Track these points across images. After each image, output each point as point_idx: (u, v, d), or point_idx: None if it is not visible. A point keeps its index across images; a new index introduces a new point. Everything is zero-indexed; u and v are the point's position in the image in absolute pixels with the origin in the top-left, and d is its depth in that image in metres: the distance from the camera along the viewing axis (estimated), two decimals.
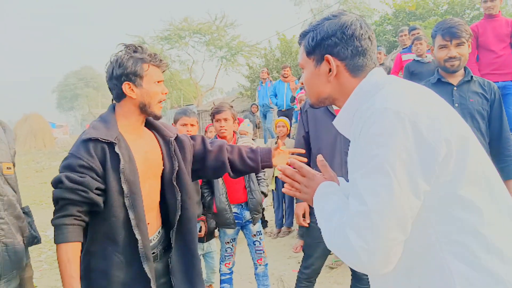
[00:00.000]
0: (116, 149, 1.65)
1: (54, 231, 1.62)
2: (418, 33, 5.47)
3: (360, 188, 0.96)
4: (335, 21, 1.15)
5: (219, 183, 3.16)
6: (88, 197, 1.60)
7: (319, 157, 1.27)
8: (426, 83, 2.43)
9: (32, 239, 1.79)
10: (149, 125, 1.90)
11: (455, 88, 2.36)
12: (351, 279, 2.64)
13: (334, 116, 2.48)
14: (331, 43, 1.14)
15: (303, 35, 1.22)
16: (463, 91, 2.35)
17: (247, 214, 3.25)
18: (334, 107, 2.52)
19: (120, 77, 1.71)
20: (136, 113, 1.77)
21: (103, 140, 1.65)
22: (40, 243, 1.84)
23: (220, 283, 3.32)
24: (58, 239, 1.59)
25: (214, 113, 3.18)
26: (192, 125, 3.17)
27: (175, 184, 1.84)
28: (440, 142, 0.94)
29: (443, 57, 2.35)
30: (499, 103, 2.39)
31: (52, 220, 1.64)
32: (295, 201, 2.65)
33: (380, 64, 5.99)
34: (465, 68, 2.43)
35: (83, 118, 53.22)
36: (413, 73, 5.13)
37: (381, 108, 0.98)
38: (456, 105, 2.31)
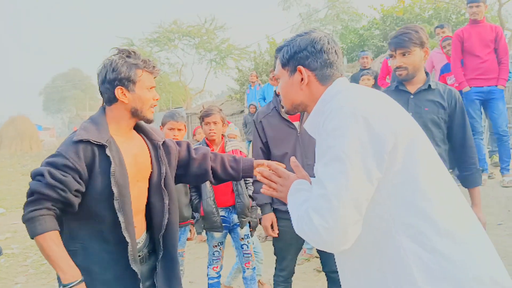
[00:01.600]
0: (107, 152, 1.65)
1: (29, 224, 1.58)
2: None
3: (321, 175, 1.10)
4: (306, 37, 1.32)
5: (207, 186, 3.15)
6: (66, 197, 1.59)
7: (292, 159, 1.40)
8: (386, 90, 2.46)
9: None
10: (137, 128, 1.91)
11: (411, 97, 2.33)
12: (327, 283, 2.68)
13: (289, 122, 2.57)
14: (303, 55, 1.31)
15: (279, 49, 1.39)
16: (419, 100, 2.31)
17: (234, 218, 3.24)
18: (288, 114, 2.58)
19: (113, 82, 1.71)
20: (126, 117, 1.78)
21: (94, 142, 1.64)
22: (1, 254, 1.79)
23: (208, 287, 3.31)
24: (37, 230, 1.56)
25: (203, 116, 3.17)
26: (179, 129, 3.16)
27: (163, 188, 1.86)
28: (389, 134, 1.08)
29: (393, 66, 2.35)
30: (461, 110, 2.33)
31: (24, 215, 1.61)
32: (261, 213, 2.67)
33: (367, 69, 6.05)
34: (426, 74, 2.38)
35: (70, 120, 52.64)
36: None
37: (337, 107, 1.14)
38: (411, 113, 2.24)
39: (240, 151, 3.26)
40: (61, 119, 59.24)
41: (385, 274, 1.12)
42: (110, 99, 1.75)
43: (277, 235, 2.59)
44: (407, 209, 1.09)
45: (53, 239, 1.57)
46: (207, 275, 3.32)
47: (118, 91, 1.72)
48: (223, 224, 3.20)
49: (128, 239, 1.66)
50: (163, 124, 3.21)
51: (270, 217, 2.58)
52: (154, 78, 1.84)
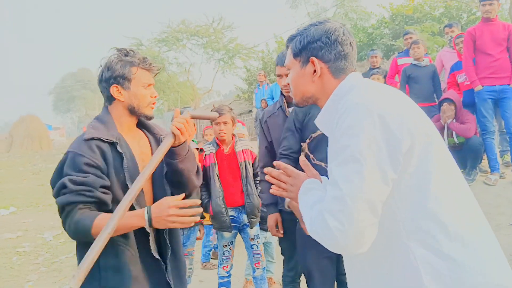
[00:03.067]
0: (119, 148, 1.68)
1: (78, 231, 1.56)
2: (411, 38, 5.50)
3: (335, 176, 1.07)
4: (321, 27, 1.27)
5: (216, 186, 3.16)
6: (94, 196, 1.58)
7: (301, 157, 1.38)
8: None
9: None
10: (140, 124, 1.92)
11: None
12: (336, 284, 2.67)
13: None
14: (316, 46, 1.25)
15: (291, 38, 1.34)
16: None
17: (244, 218, 3.24)
18: None
19: (109, 80, 1.74)
20: (126, 115, 1.80)
21: (105, 140, 1.66)
22: None
23: (218, 286, 3.32)
24: (86, 227, 1.53)
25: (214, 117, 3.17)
26: None
27: (165, 182, 1.84)
28: (405, 134, 1.05)
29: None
30: None
31: (69, 231, 1.60)
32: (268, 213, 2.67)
33: (377, 68, 6.01)
34: None
35: (80, 120, 53.14)
36: (410, 76, 5.16)
37: (352, 104, 1.10)
38: None
39: (251, 151, 3.26)
40: (71, 118, 59.83)
41: (393, 277, 1.10)
42: (108, 98, 1.78)
43: (282, 235, 2.59)
44: (418, 212, 1.06)
45: (101, 219, 1.54)
46: (218, 274, 3.34)
47: (113, 89, 1.74)
48: (233, 224, 3.21)
49: (148, 230, 1.64)
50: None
51: (275, 217, 2.58)
52: (154, 76, 1.84)
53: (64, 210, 1.61)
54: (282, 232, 2.58)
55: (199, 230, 3.42)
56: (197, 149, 3.33)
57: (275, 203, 2.60)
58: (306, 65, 1.28)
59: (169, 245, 1.83)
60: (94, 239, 1.48)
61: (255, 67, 18.87)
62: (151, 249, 1.71)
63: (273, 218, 2.59)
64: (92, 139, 1.65)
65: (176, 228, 1.84)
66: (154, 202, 1.84)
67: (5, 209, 9.11)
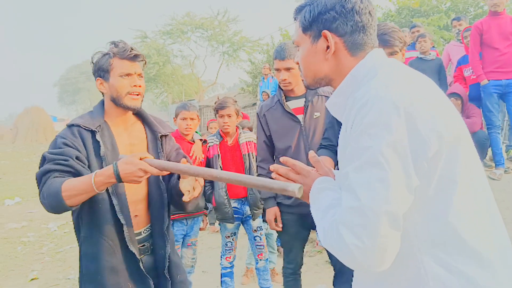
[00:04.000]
0: (97, 137, 1.72)
1: (49, 197, 1.57)
2: (418, 31, 5.45)
3: (353, 183, 0.90)
4: None
5: None
6: (69, 165, 1.62)
7: (311, 153, 1.20)
8: None
9: None
10: (143, 119, 1.93)
11: None
12: (334, 274, 2.66)
13: (292, 115, 2.52)
14: (329, 17, 1.06)
15: (299, 9, 1.14)
16: None
17: (247, 209, 3.25)
18: (291, 106, 2.54)
19: (94, 74, 1.80)
20: (113, 107, 1.81)
21: (85, 128, 1.72)
22: None
23: (221, 277, 3.33)
24: (56, 192, 1.54)
25: (218, 109, 3.18)
26: (192, 118, 3.19)
27: (161, 180, 1.83)
28: (433, 137, 0.90)
29: None
30: None
31: (41, 197, 1.62)
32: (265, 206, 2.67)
33: None
34: None
35: (84, 111, 53.10)
36: (416, 70, 5.12)
37: (376, 96, 0.92)
38: None
39: (255, 143, 3.26)
40: (76, 110, 59.94)
41: None
42: (100, 91, 1.82)
43: (281, 229, 2.60)
44: (436, 224, 0.93)
45: (70, 180, 1.57)
46: (220, 264, 3.35)
47: (97, 83, 1.80)
48: (236, 216, 3.22)
49: (122, 221, 1.69)
50: (176, 115, 3.24)
51: (273, 211, 2.59)
52: (142, 64, 1.82)
53: (41, 181, 1.63)
54: (281, 225, 2.59)
55: (203, 220, 3.43)
56: (201, 140, 3.33)
57: (274, 196, 2.60)
58: (318, 40, 1.09)
59: (152, 242, 1.82)
60: (65, 203, 1.53)
61: (259, 60, 18.81)
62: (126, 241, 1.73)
63: (271, 211, 2.59)
64: (73, 125, 1.73)
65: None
66: (148, 198, 1.84)
67: (10, 199, 9.19)
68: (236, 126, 3.29)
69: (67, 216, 1.85)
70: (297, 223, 2.55)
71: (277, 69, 2.51)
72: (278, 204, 2.59)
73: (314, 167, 1.21)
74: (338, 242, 0.90)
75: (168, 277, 1.83)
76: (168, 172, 1.58)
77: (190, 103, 3.28)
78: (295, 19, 1.17)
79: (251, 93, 17.14)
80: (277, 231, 2.70)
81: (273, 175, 1.22)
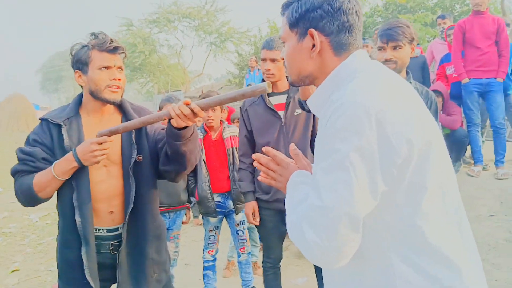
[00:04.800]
0: (63, 131, 1.75)
1: (22, 193, 1.73)
2: None
3: (319, 182, 0.94)
4: None
5: (203, 171, 3.18)
6: (35, 166, 1.73)
7: (292, 146, 1.23)
8: None
9: None
10: (122, 110, 1.90)
11: None
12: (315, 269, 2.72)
13: (274, 111, 2.54)
14: (316, 15, 1.06)
15: (287, 5, 1.14)
16: None
17: (230, 204, 3.27)
18: (273, 102, 2.56)
19: (73, 66, 1.80)
20: (91, 100, 1.81)
21: (52, 121, 1.77)
22: None
23: (204, 270, 3.36)
24: (28, 184, 1.71)
25: None
26: None
27: (131, 174, 1.78)
28: (403, 144, 0.91)
29: (380, 59, 2.32)
30: (435, 111, 2.42)
31: (16, 195, 1.77)
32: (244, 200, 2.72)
33: None
34: (407, 73, 2.44)
35: (67, 100, 52.24)
36: None
37: (349, 101, 0.93)
38: None
39: (239, 138, 3.27)
40: (58, 98, 58.87)
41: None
42: (78, 84, 1.82)
43: (258, 223, 2.64)
44: (403, 227, 0.96)
45: (39, 175, 1.71)
46: (203, 258, 3.38)
47: (76, 75, 1.79)
48: (219, 210, 3.24)
49: (77, 217, 1.70)
50: (160, 108, 3.23)
51: (251, 205, 2.62)
52: (124, 57, 1.81)
53: (14, 178, 1.79)
54: (258, 219, 2.63)
55: (185, 214, 3.45)
56: None
57: (253, 191, 2.63)
58: (304, 38, 1.09)
59: (125, 240, 1.79)
60: (38, 196, 1.69)
61: (247, 52, 18.77)
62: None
63: (249, 206, 2.63)
64: (43, 120, 1.80)
65: (142, 223, 1.83)
66: (124, 192, 1.80)
67: None
68: (220, 120, 3.29)
69: (49, 207, 1.91)
70: (275, 218, 2.58)
71: (263, 59, 2.51)
72: (256, 199, 2.63)
73: (294, 160, 1.23)
74: (300, 237, 0.94)
75: (118, 277, 1.78)
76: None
77: (175, 96, 3.28)
78: (282, 14, 1.16)
79: (238, 85, 17.11)
80: (256, 226, 2.73)
81: (254, 163, 1.25)
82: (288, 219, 1.04)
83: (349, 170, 0.89)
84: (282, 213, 2.49)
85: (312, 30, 1.07)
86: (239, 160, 2.76)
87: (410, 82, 2.45)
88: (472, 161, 4.81)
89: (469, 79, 4.50)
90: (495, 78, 4.42)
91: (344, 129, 0.92)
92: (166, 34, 26.38)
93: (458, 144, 4.60)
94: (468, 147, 4.84)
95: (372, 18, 14.92)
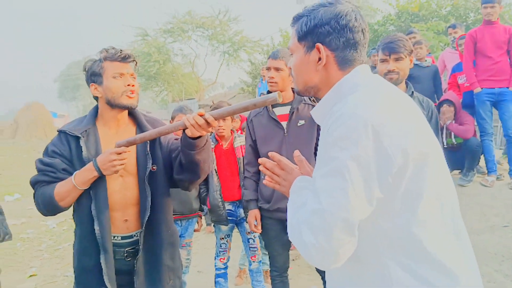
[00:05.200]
0: (81, 143, 1.81)
1: (44, 203, 1.79)
2: (414, 37, 5.53)
3: (318, 187, 0.99)
4: (331, 9, 1.13)
5: (214, 180, 3.24)
6: (56, 177, 1.80)
7: (296, 152, 1.29)
8: None
9: (3, 236, 1.88)
10: (136, 121, 1.97)
11: None
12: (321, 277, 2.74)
13: (277, 121, 2.59)
14: (324, 31, 1.12)
15: (297, 18, 1.20)
16: None
17: (241, 212, 3.32)
18: (277, 113, 2.62)
19: (87, 81, 1.87)
20: (108, 110, 1.88)
21: (71, 134, 1.83)
22: (11, 239, 1.97)
23: (215, 277, 3.41)
24: (49, 193, 1.76)
25: None
26: None
27: (146, 183, 1.85)
28: (398, 154, 0.96)
29: (383, 70, 2.46)
30: (435, 120, 2.50)
31: (36, 205, 1.84)
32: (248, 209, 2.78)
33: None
34: (407, 84, 2.55)
35: (84, 108, 53.23)
36: (411, 76, 5.17)
37: (349, 113, 0.99)
38: None
39: None
40: (76, 106, 59.93)
41: None
42: (94, 97, 1.89)
43: (259, 231, 2.70)
44: (400, 233, 1.01)
45: (59, 185, 1.77)
46: (215, 265, 3.43)
47: (92, 88, 1.87)
48: (230, 218, 3.29)
49: (96, 226, 1.76)
50: (172, 118, 3.31)
51: (254, 213, 2.68)
52: (134, 64, 1.88)
53: (34, 188, 1.85)
54: (260, 227, 2.68)
55: (197, 222, 3.51)
56: None
57: (256, 199, 2.69)
58: (311, 51, 1.15)
59: (141, 247, 1.85)
60: (60, 205, 1.74)
61: (259, 61, 18.86)
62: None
63: (252, 214, 2.68)
64: (61, 132, 1.87)
65: (158, 230, 1.88)
66: (140, 201, 1.86)
67: (10, 195, 9.27)
68: (231, 130, 3.36)
69: (66, 213, 1.96)
70: (277, 227, 2.62)
71: (268, 68, 2.59)
72: (260, 207, 2.68)
73: (298, 166, 1.29)
74: (299, 239, 1.00)
75: (135, 283, 1.84)
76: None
77: (187, 106, 3.35)
78: (292, 26, 1.23)
79: (251, 93, 17.20)
80: (260, 234, 2.78)
81: (260, 167, 1.31)
82: (289, 222, 1.09)
83: (346, 177, 0.95)
84: (283, 222, 2.53)
85: (319, 44, 1.13)
86: (244, 169, 2.81)
87: (412, 92, 2.53)
88: (486, 171, 4.78)
89: (481, 88, 4.49)
90: (508, 88, 4.41)
91: (342, 138, 0.98)
92: (180, 43, 26.70)
93: (471, 154, 4.58)
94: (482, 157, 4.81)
95: (384, 27, 14.89)
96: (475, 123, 4.76)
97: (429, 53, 5.65)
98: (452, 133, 4.67)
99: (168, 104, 27.80)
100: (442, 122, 4.70)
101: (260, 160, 1.31)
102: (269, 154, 1.30)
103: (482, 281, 3.36)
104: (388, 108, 1.01)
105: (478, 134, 4.72)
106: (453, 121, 4.66)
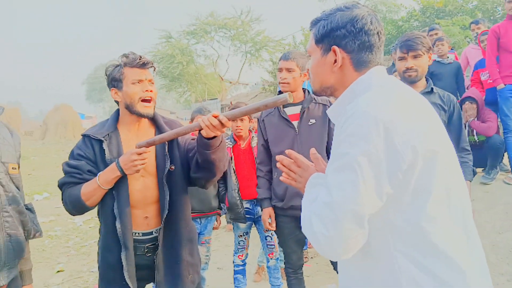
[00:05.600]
0: (104, 146, 1.90)
1: (72, 203, 1.88)
2: (436, 34, 5.44)
3: (330, 181, 1.04)
4: (347, 13, 1.18)
5: (232, 179, 3.31)
6: (82, 178, 1.88)
7: (312, 150, 1.34)
8: None
9: (34, 233, 1.97)
10: (155, 123, 2.05)
11: None
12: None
13: (288, 121, 2.62)
14: (340, 34, 1.17)
15: (315, 22, 1.25)
16: None
17: (259, 210, 3.37)
18: (288, 113, 2.64)
19: (109, 85, 1.96)
20: (127, 114, 1.96)
21: (94, 137, 1.92)
22: (42, 236, 2.05)
23: (234, 273, 3.48)
24: (76, 194, 1.86)
25: None
26: None
27: (165, 183, 1.93)
28: (408, 151, 0.99)
29: (402, 68, 2.47)
30: (458, 114, 2.49)
31: (65, 205, 1.94)
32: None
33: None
34: (427, 80, 2.54)
35: (111, 109, 54.48)
36: (433, 73, 5.10)
37: (361, 111, 1.04)
38: None
39: None
40: (103, 108, 61.39)
41: (375, 285, 1.10)
42: (115, 101, 1.97)
43: (274, 229, 2.74)
44: (409, 227, 1.04)
45: (85, 185, 1.86)
46: (233, 262, 3.50)
47: (112, 93, 1.95)
48: (248, 216, 3.36)
49: (117, 224, 1.84)
50: (192, 120, 3.39)
51: (268, 211, 2.72)
52: (152, 70, 1.95)
53: (62, 190, 1.95)
54: (274, 225, 2.71)
55: (216, 220, 3.58)
56: None
57: (269, 198, 2.73)
58: (328, 53, 1.20)
59: (161, 243, 1.93)
60: (86, 204, 1.84)
61: None
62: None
63: (266, 212, 2.73)
64: (85, 136, 1.96)
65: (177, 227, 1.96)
66: (159, 199, 1.95)
67: (39, 194, 9.62)
68: (249, 129, 3.42)
69: (92, 212, 2.06)
70: (290, 224, 2.66)
71: (280, 69, 2.64)
72: (273, 206, 2.72)
73: (313, 163, 1.34)
74: (310, 230, 1.05)
75: (156, 277, 1.92)
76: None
77: (205, 107, 3.43)
78: (310, 29, 1.29)
79: (273, 92, 17.24)
80: (275, 232, 2.82)
81: (278, 164, 1.36)
82: (302, 215, 1.14)
83: (357, 172, 0.99)
84: (297, 220, 2.56)
85: (335, 47, 1.18)
86: (257, 168, 2.85)
87: (432, 88, 2.51)
88: (510, 169, 4.66)
89: (504, 84, 4.39)
90: None
91: (354, 135, 1.02)
92: (203, 44, 27.03)
93: (493, 151, 4.48)
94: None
95: (409, 23, 14.64)
96: (499, 120, 4.65)
97: (452, 49, 5.54)
98: (474, 131, 4.58)
99: (191, 105, 28.15)
100: (465, 119, 4.61)
101: (277, 157, 1.35)
102: (286, 151, 1.35)
103: (503, 280, 3.31)
104: (399, 107, 1.05)
105: (501, 131, 4.62)
106: (475, 119, 4.57)
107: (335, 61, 1.19)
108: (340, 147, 1.05)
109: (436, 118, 1.13)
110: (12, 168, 1.89)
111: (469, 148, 2.55)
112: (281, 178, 1.35)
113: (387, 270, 1.06)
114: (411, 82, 2.47)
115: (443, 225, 1.04)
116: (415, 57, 2.44)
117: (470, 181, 2.46)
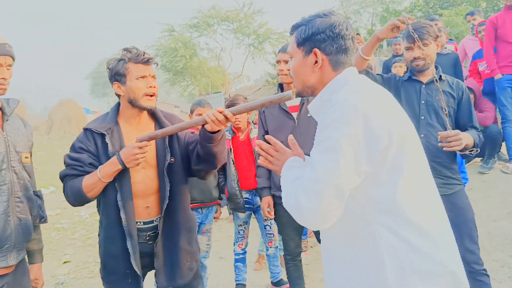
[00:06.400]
0: (106, 139, 1.94)
1: (73, 195, 1.92)
2: (436, 24, 5.45)
3: (314, 160, 1.18)
4: (326, 19, 1.33)
5: (231, 170, 3.40)
6: (84, 171, 1.93)
7: (290, 137, 1.46)
8: (400, 79, 2.56)
9: (40, 218, 2.06)
10: (155, 118, 2.10)
11: (423, 86, 2.46)
12: None
13: (288, 112, 2.70)
14: (320, 38, 1.32)
15: (296, 27, 1.39)
16: (430, 89, 2.44)
17: (258, 200, 3.46)
18: (288, 105, 2.72)
19: (111, 79, 2.00)
20: (129, 108, 2.01)
21: (96, 131, 1.96)
22: (47, 222, 2.13)
23: (234, 262, 3.58)
24: (78, 186, 1.89)
25: (229, 106, 3.38)
26: None
27: (165, 174, 1.99)
28: (384, 134, 1.14)
29: (409, 58, 2.47)
30: (467, 100, 2.50)
31: (66, 196, 1.96)
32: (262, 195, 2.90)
33: (400, 55, 6.00)
34: (436, 67, 2.53)
35: (115, 104, 54.59)
36: None
37: (342, 100, 1.18)
38: (423, 102, 2.43)
39: None
40: (107, 103, 61.51)
41: (358, 257, 1.22)
42: (116, 94, 2.02)
43: (273, 217, 2.83)
44: (386, 201, 1.18)
45: (86, 177, 1.90)
46: (234, 251, 3.60)
47: (115, 86, 1.98)
48: (247, 206, 3.45)
49: (122, 215, 1.91)
50: (191, 112, 3.45)
51: (267, 200, 2.82)
52: (155, 66, 2.00)
53: (63, 181, 1.99)
54: (273, 213, 2.80)
55: (216, 210, 3.67)
56: None
57: (269, 187, 2.82)
58: (309, 55, 1.34)
59: (161, 231, 2.00)
60: (87, 196, 1.88)
61: None
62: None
63: (265, 201, 2.82)
64: (87, 129, 1.99)
65: (177, 217, 2.03)
66: (160, 190, 2.02)
67: (45, 188, 9.75)
68: (248, 121, 3.49)
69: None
70: (289, 213, 2.72)
71: (278, 61, 2.71)
72: (272, 195, 2.81)
73: (291, 149, 1.47)
74: (294, 202, 1.18)
75: (155, 264, 2.00)
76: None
77: (205, 100, 3.49)
78: (291, 33, 1.42)
79: (276, 85, 17.27)
80: (274, 220, 2.90)
81: (256, 148, 1.49)
82: (284, 190, 1.27)
83: (338, 151, 1.13)
84: None
85: (316, 49, 1.33)
86: (257, 159, 2.94)
87: (440, 76, 2.50)
88: (508, 158, 4.71)
89: (502, 74, 4.43)
90: None
91: (336, 121, 1.16)
92: (206, 37, 26.91)
93: (491, 141, 4.53)
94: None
95: (412, 13, 14.57)
96: (497, 111, 4.70)
97: (451, 39, 5.56)
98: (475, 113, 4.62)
99: (195, 98, 28.14)
100: None
101: (257, 141, 1.48)
102: (266, 137, 1.46)
103: (497, 266, 3.41)
104: (374, 98, 1.21)
105: (499, 121, 4.66)
106: (473, 108, 4.61)
107: (316, 62, 1.33)
108: (324, 131, 1.19)
109: (399, 108, 1.29)
110: (25, 157, 1.99)
111: (479, 130, 2.53)
112: (259, 161, 1.47)
113: (369, 239, 1.19)
114: (419, 71, 2.46)
115: (414, 199, 1.19)
116: (424, 45, 2.40)
117: (474, 140, 2.37)
